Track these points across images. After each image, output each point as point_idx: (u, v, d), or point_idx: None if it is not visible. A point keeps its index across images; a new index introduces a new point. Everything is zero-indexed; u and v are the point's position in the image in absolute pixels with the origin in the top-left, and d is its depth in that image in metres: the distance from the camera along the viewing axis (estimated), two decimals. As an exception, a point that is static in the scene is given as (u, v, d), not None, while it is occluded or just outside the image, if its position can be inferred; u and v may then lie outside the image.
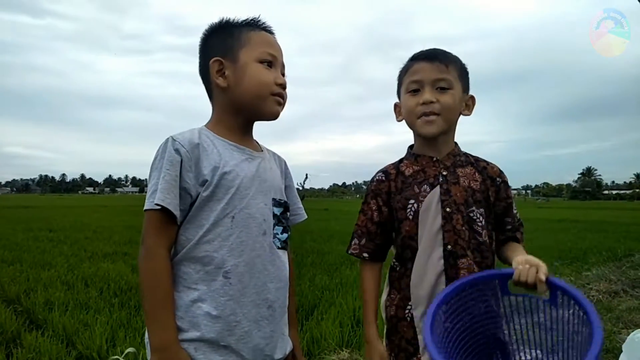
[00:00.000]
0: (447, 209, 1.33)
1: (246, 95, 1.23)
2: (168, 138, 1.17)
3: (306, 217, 1.44)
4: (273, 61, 1.26)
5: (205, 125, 1.28)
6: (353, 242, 1.47)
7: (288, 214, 1.34)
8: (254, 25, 1.28)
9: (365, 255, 1.44)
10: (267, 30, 1.30)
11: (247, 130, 1.31)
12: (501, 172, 1.46)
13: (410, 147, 1.50)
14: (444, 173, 1.38)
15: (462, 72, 1.42)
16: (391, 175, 1.44)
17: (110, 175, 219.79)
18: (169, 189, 1.10)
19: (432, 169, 1.40)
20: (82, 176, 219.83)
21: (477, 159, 1.46)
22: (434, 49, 1.42)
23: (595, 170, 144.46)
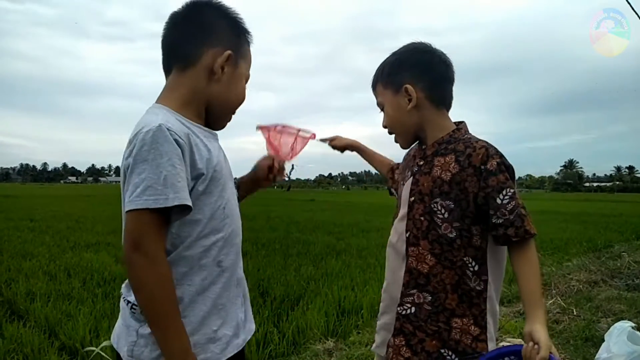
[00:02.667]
0: (412, 199, 1.38)
1: (225, 102, 1.22)
2: (160, 125, 1.02)
3: None
4: None
5: (164, 105, 1.14)
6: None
7: None
8: (249, 38, 1.26)
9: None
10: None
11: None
12: (488, 157, 1.27)
13: None
14: (420, 163, 1.40)
15: (389, 78, 1.42)
16: (404, 156, 1.59)
17: (93, 165, 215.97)
18: (184, 185, 1.02)
19: (417, 157, 1.44)
20: (64, 165, 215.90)
21: (468, 145, 1.33)
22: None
23: (577, 162, 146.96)
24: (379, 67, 1.48)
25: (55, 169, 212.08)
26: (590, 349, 3.26)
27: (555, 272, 5.75)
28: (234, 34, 1.21)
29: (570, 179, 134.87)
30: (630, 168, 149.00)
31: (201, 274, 1.11)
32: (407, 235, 1.37)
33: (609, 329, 2.90)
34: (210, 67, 1.16)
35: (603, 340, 2.84)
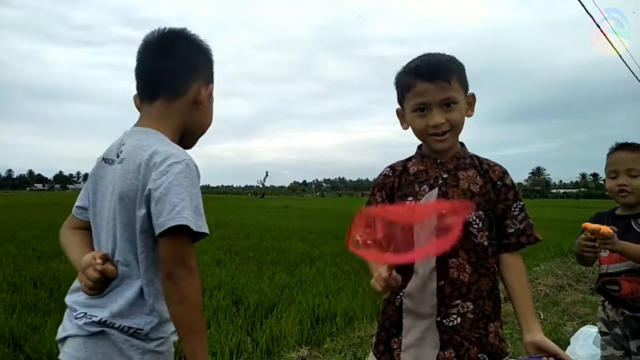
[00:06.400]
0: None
1: (203, 127, 1.36)
2: (191, 160, 1.17)
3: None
4: None
5: (161, 133, 1.23)
6: None
7: None
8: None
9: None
10: None
11: None
12: (504, 174, 1.45)
13: (420, 146, 1.53)
14: (445, 176, 1.42)
15: (462, 77, 1.41)
16: (397, 172, 1.50)
17: (60, 172, 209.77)
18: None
19: (434, 170, 1.44)
20: (30, 172, 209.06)
21: (481, 161, 1.47)
22: (433, 64, 1.38)
23: (544, 170, 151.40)
24: (445, 60, 1.39)
25: (20, 175, 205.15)
26: (556, 351, 3.35)
27: (524, 277, 5.89)
28: (209, 64, 1.34)
29: (538, 185, 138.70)
30: (595, 175, 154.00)
31: None
32: None
33: (574, 332, 3.00)
34: (196, 98, 1.28)
35: (569, 343, 2.93)
